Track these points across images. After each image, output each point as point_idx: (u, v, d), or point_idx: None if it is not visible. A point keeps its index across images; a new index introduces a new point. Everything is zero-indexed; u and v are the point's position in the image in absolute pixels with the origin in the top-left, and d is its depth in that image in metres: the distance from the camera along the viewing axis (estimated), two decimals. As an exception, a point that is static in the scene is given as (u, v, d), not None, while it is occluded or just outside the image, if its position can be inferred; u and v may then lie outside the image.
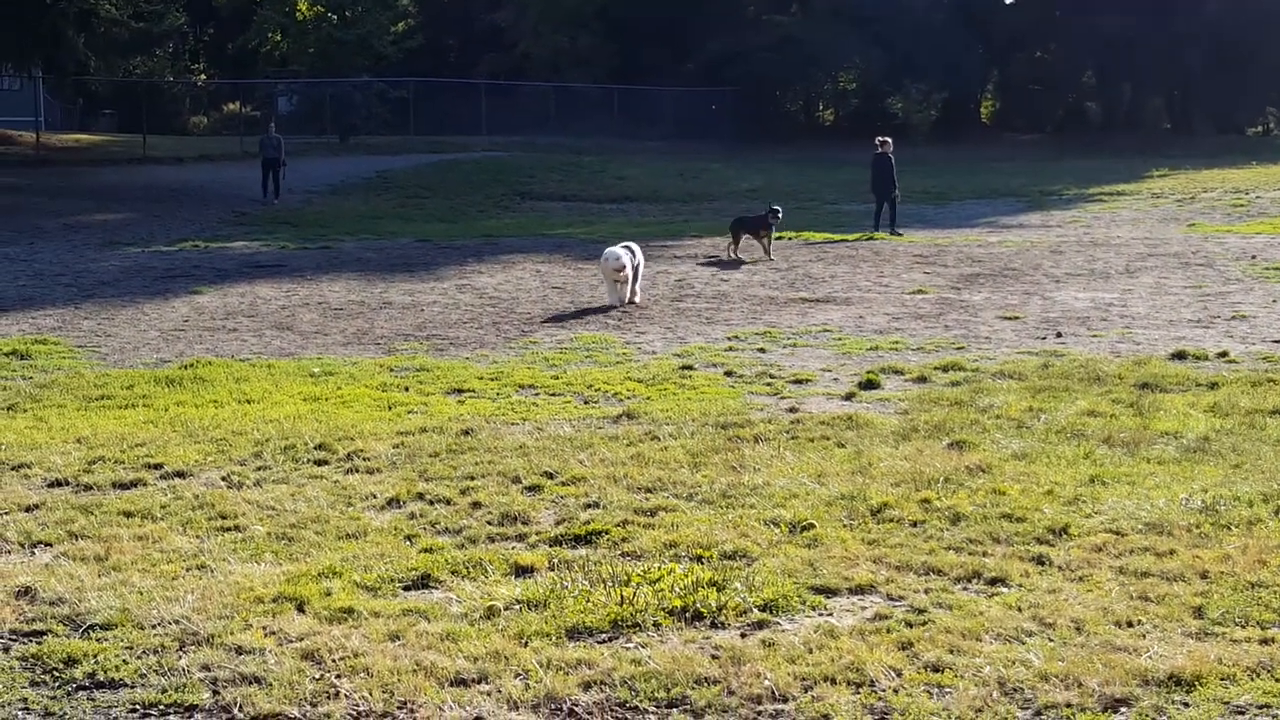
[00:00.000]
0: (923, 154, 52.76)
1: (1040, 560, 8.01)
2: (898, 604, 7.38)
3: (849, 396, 13.02)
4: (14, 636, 6.98)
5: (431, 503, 9.39)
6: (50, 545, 8.48)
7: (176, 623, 7.05)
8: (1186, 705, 6.09)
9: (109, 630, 6.99)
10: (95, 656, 6.65)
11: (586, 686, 6.33)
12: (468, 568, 7.93)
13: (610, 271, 19.18)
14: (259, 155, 39.73)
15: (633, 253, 19.33)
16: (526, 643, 6.81)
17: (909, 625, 6.99)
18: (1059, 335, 16.59)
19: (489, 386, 13.66)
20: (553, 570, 7.88)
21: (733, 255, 25.68)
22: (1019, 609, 7.20)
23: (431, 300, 20.08)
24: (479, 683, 6.38)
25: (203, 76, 76.42)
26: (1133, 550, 8.14)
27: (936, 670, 6.45)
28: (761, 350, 15.75)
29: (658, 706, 6.16)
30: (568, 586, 7.56)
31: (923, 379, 13.79)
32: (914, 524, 8.73)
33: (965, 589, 7.60)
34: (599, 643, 6.87)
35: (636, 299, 19.42)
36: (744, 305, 19.46)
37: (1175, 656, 6.53)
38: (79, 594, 7.47)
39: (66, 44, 49.67)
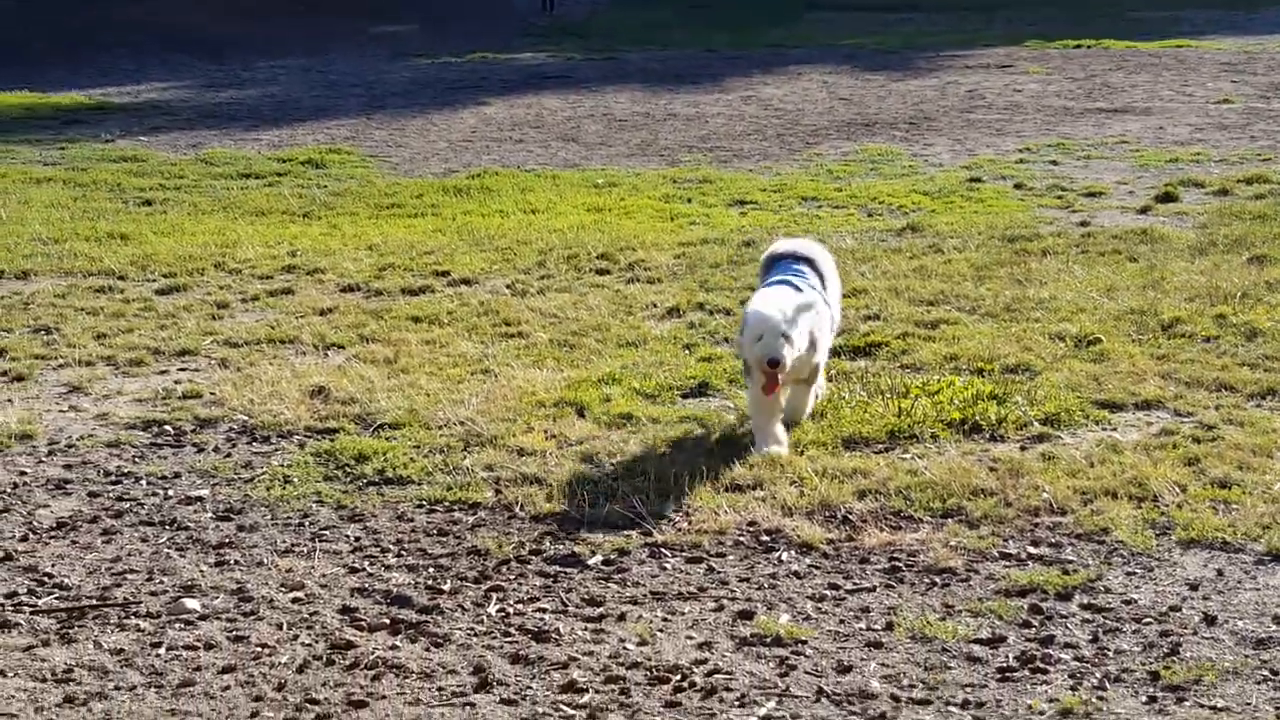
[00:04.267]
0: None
1: (1343, 379, 7.64)
2: (1185, 420, 7.14)
3: (1144, 210, 12.54)
4: (309, 433, 7.30)
5: (711, 313, 9.42)
6: (343, 348, 8.81)
7: (461, 424, 7.27)
8: None
9: (397, 430, 7.25)
10: (385, 454, 6.91)
11: (861, 495, 6.32)
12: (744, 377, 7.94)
13: (755, 358, 6.80)
14: None
15: (814, 311, 6.93)
16: (802, 451, 6.81)
17: (1196, 441, 6.77)
18: (1377, 146, 15.61)
19: (771, 199, 13.56)
20: (831, 381, 7.84)
21: None
22: (1317, 429, 6.90)
23: (715, 112, 19.94)
24: (754, 489, 6.42)
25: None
26: None
27: (1223, 486, 6.26)
28: (1053, 163, 15.24)
29: (933, 516, 6.11)
30: (845, 397, 7.52)
31: (1224, 192, 13.17)
32: (1207, 339, 8.40)
33: (1259, 406, 7.32)
34: (875, 453, 6.84)
35: (808, 410, 7.29)
36: (1037, 116, 18.79)
37: None
38: (369, 394, 7.75)
39: None
